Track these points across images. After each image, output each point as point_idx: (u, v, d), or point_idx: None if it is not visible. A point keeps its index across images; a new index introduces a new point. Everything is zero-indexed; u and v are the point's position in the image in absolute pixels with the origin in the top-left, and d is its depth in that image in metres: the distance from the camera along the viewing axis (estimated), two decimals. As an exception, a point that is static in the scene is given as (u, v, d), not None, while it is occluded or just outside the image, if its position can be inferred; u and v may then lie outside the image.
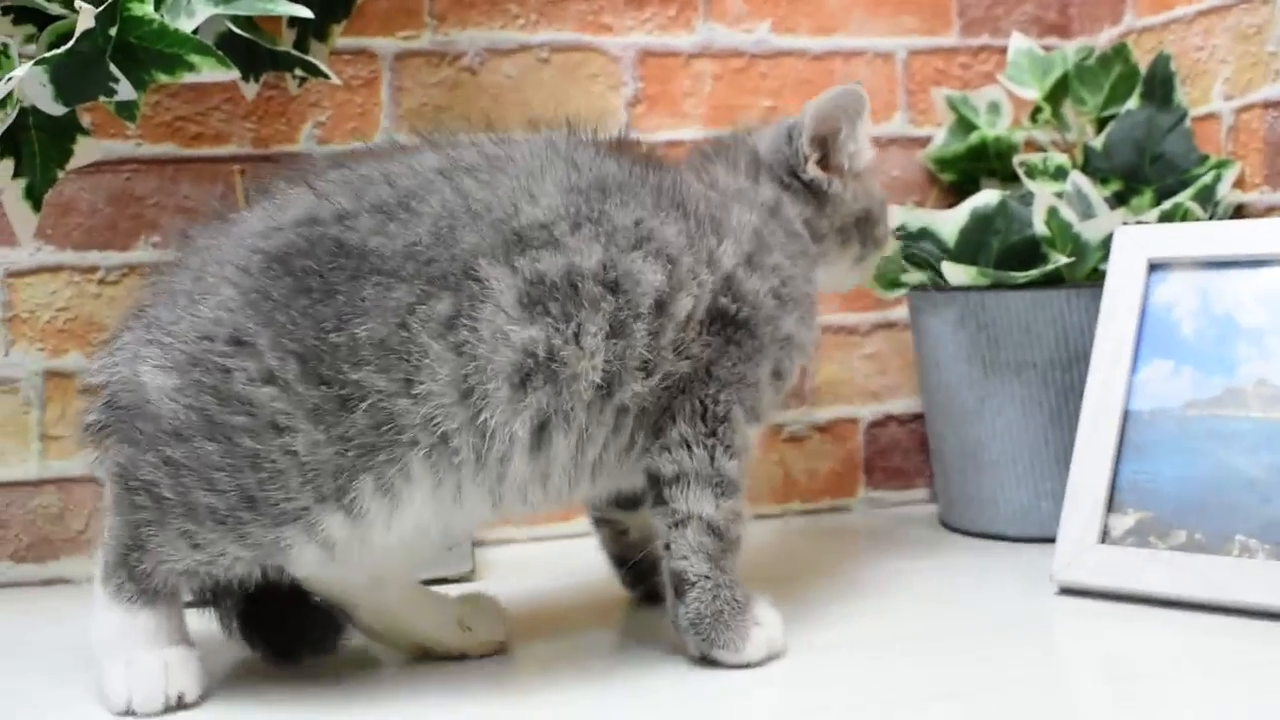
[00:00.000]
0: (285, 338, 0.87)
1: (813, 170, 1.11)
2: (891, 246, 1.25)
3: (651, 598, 1.13)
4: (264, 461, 0.87)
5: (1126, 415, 1.15)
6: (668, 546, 0.97)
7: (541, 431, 0.91)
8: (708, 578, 0.96)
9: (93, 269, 1.32)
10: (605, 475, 0.97)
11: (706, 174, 1.09)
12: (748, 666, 0.96)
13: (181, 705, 0.91)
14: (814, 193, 1.11)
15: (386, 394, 0.87)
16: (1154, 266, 1.18)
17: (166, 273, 0.96)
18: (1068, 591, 1.12)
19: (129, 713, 0.90)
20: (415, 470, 0.88)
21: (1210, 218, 1.29)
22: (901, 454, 1.54)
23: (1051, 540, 1.16)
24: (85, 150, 1.14)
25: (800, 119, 1.11)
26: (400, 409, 0.87)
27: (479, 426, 0.88)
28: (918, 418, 1.52)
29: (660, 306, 0.94)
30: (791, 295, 1.03)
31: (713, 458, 0.97)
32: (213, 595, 0.99)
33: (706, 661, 0.96)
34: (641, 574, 1.14)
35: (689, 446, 0.97)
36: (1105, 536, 1.12)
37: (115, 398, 0.93)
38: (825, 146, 1.12)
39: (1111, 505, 1.13)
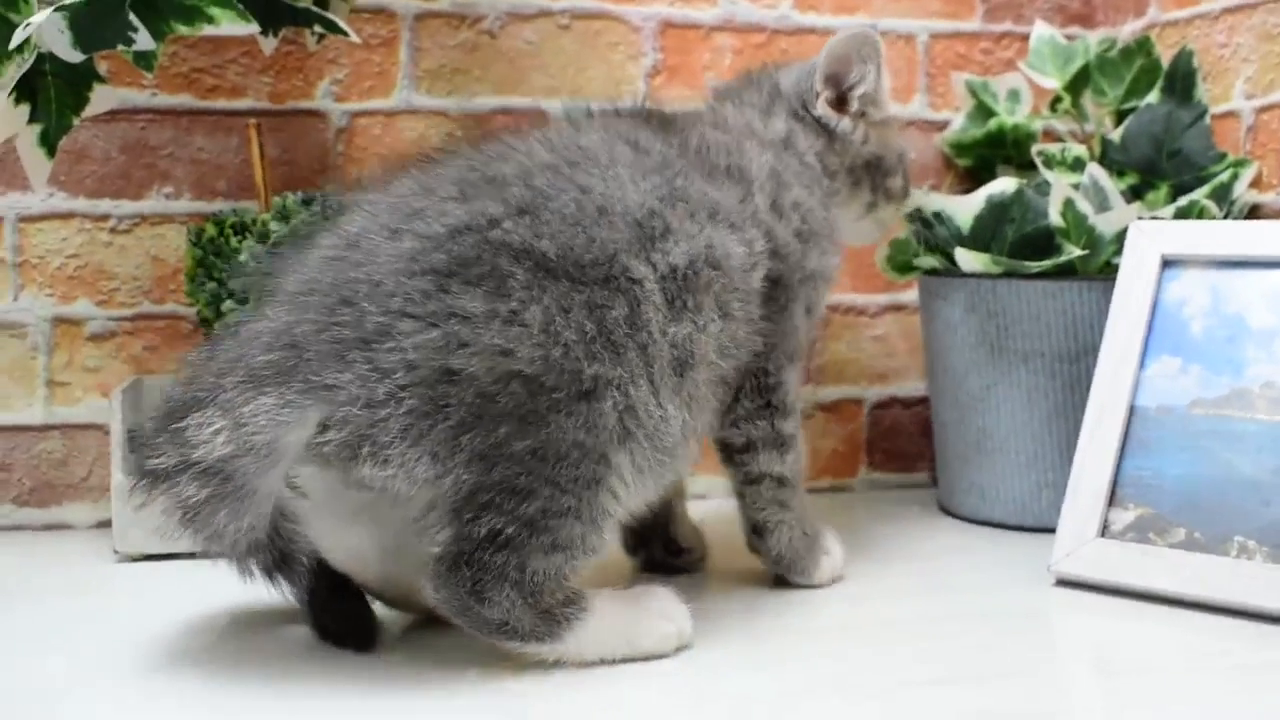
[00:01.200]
0: (515, 347, 0.85)
1: (821, 107, 1.15)
2: (906, 204, 1.27)
3: (652, 566, 1.16)
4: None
5: (1132, 410, 1.15)
6: (741, 495, 1.09)
7: (690, 412, 0.95)
8: (782, 522, 1.08)
9: (104, 217, 1.32)
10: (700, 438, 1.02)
11: (716, 114, 1.14)
12: (816, 587, 1.10)
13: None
14: (825, 129, 1.15)
15: (617, 382, 0.88)
16: (1167, 263, 1.18)
17: (280, 330, 0.86)
18: (1065, 584, 1.12)
19: None
20: (635, 457, 0.91)
21: (1225, 216, 1.29)
22: (904, 437, 1.54)
23: (1050, 531, 1.16)
24: (101, 98, 1.14)
25: (818, 57, 1.15)
26: (633, 397, 0.89)
27: (664, 415, 0.92)
28: (922, 401, 1.52)
29: (745, 275, 0.99)
30: (811, 229, 1.09)
31: (773, 424, 1.06)
32: (281, 563, 0.95)
33: (780, 581, 1.11)
34: (643, 538, 1.16)
35: (753, 420, 1.06)
36: (1105, 531, 1.12)
37: (242, 468, 0.83)
38: (837, 86, 1.16)
39: (1113, 500, 1.13)
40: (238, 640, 0.98)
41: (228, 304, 1.21)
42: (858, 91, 1.16)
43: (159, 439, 0.86)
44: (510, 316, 0.85)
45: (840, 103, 1.16)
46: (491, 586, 0.87)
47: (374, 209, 0.92)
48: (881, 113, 1.18)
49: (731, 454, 1.08)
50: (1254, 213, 1.32)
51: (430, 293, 0.84)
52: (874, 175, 1.18)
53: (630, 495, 0.92)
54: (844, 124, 1.15)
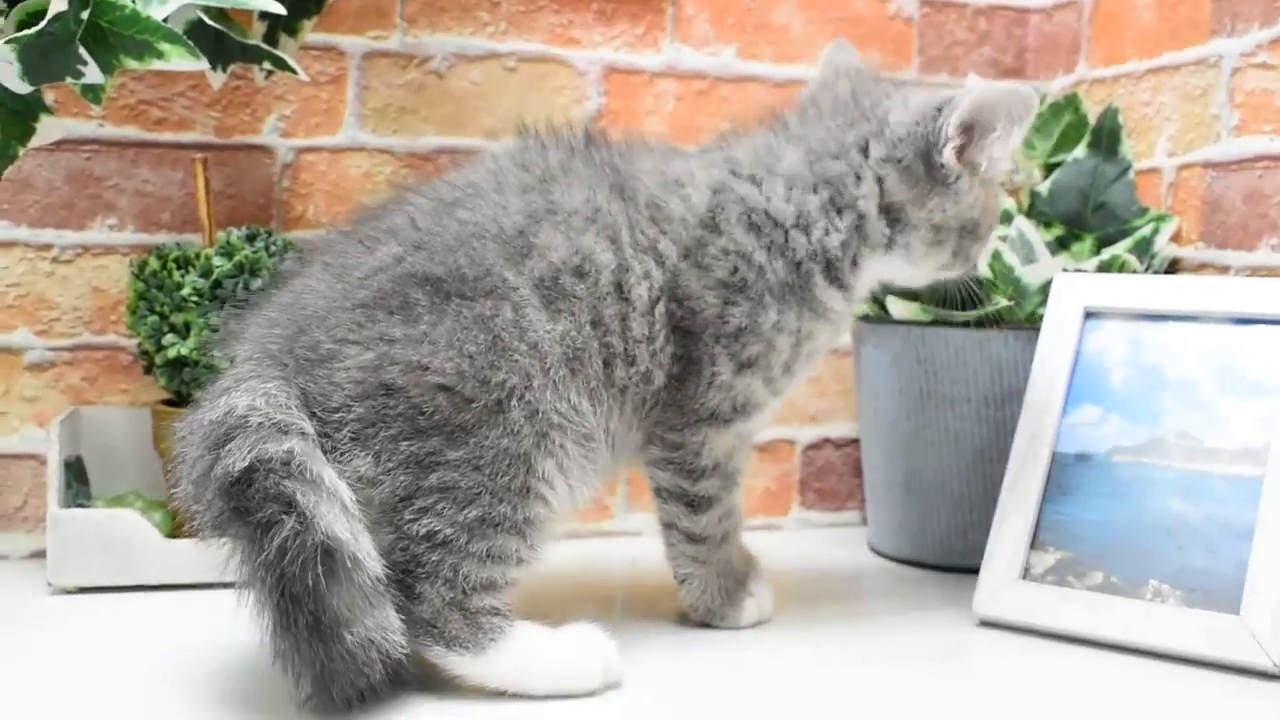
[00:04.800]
0: (429, 361, 0.93)
1: (948, 156, 1.05)
2: (978, 269, 1.19)
3: None
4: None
5: (1054, 456, 1.18)
6: (663, 535, 1.12)
7: (596, 405, 0.99)
8: (694, 575, 1.12)
9: (46, 247, 1.32)
10: (621, 451, 1.06)
11: (719, 148, 1.11)
12: (738, 629, 1.13)
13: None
14: (932, 179, 1.06)
15: (519, 389, 0.94)
16: (1089, 314, 1.22)
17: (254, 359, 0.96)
18: (987, 625, 1.15)
19: None
20: (557, 456, 0.96)
21: (1146, 269, 1.33)
22: (836, 477, 1.57)
23: (975, 571, 1.19)
24: (47, 129, 1.15)
25: (957, 98, 1.05)
26: (536, 399, 0.95)
27: (572, 405, 0.97)
28: (853, 442, 1.55)
29: (619, 288, 1.01)
30: (747, 283, 1.04)
31: (677, 480, 1.09)
32: None
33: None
34: None
35: (659, 465, 1.09)
36: (1026, 573, 1.15)
37: (270, 478, 0.88)
38: (970, 137, 1.06)
39: (1034, 543, 1.16)
40: (173, 675, 0.98)
41: (169, 337, 1.22)
42: (991, 151, 1.06)
43: (219, 449, 0.89)
44: (422, 336, 0.94)
45: (962, 150, 1.06)
46: (424, 581, 0.92)
47: (306, 273, 1.01)
48: (996, 172, 1.09)
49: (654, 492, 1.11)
50: (1174, 266, 1.37)
51: (362, 323, 0.94)
52: (962, 239, 1.09)
53: (559, 499, 0.97)
54: (962, 182, 1.06)
